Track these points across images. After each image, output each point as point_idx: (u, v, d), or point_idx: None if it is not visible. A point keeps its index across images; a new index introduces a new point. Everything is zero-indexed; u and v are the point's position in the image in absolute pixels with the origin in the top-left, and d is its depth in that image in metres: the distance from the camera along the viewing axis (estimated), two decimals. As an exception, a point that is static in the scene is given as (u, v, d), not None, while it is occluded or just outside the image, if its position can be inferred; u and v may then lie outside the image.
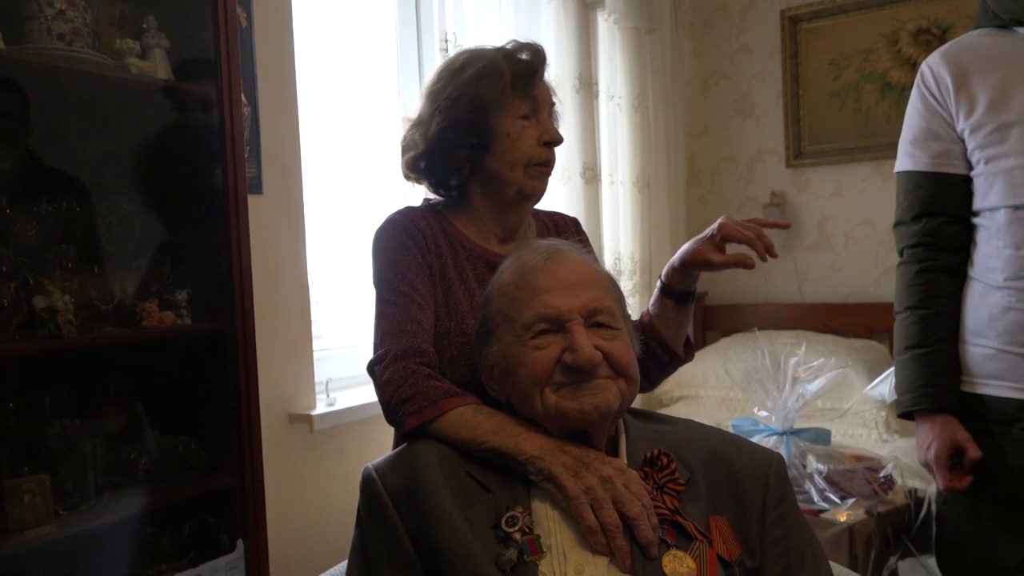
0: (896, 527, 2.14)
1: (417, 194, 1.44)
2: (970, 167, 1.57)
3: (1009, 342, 1.49)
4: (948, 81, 1.56)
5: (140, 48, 1.56)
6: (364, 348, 2.26)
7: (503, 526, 0.97)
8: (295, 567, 2.02)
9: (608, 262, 3.09)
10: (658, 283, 1.32)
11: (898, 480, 2.23)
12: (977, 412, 1.55)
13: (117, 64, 1.52)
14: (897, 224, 1.68)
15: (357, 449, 2.24)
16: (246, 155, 1.79)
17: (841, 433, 2.72)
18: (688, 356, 1.37)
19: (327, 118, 2.44)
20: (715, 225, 1.23)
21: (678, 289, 1.29)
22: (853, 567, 1.92)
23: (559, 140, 1.30)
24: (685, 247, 1.26)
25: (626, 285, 3.15)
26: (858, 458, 2.27)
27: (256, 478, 1.62)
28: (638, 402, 1.55)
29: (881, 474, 2.18)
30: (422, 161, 1.31)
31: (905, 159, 1.65)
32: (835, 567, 1.17)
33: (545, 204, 1.41)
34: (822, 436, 2.20)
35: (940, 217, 1.60)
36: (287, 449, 2.07)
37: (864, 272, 3.44)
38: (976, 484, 1.53)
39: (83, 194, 1.55)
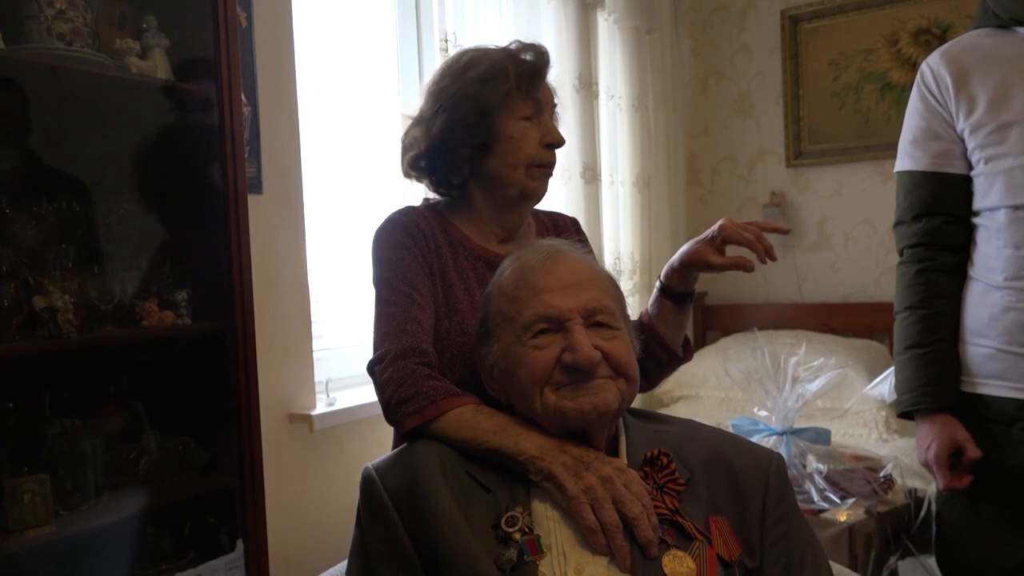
0: (896, 527, 2.14)
1: (417, 193, 1.44)
2: (970, 167, 1.57)
3: (1009, 342, 1.49)
4: (948, 81, 1.56)
5: (140, 48, 1.56)
6: (364, 348, 2.26)
7: (503, 526, 0.97)
8: (295, 567, 2.02)
9: (608, 262, 3.09)
10: (657, 283, 1.32)
11: (898, 480, 2.23)
12: (977, 412, 1.55)
13: (117, 64, 1.52)
14: (897, 224, 1.68)
15: (357, 449, 2.24)
16: (246, 155, 1.79)
17: (841, 433, 2.72)
18: (687, 356, 1.38)
19: (327, 118, 2.44)
20: (716, 227, 1.23)
21: (677, 290, 1.29)
22: (853, 567, 1.92)
23: (561, 142, 1.30)
24: (685, 248, 1.26)
25: (626, 285, 3.15)
26: (858, 458, 2.27)
27: (256, 478, 1.62)
28: (638, 402, 1.55)
29: (881, 474, 2.18)
30: (423, 160, 1.31)
31: (905, 159, 1.65)
32: (835, 567, 1.17)
33: (545, 204, 1.41)
34: (822, 436, 2.20)
35: (940, 217, 1.60)
36: (287, 449, 2.07)
37: (864, 272, 3.44)
38: (976, 484, 1.53)
39: (83, 194, 1.55)
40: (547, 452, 1.01)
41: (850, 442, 2.69)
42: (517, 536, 0.96)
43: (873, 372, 2.73)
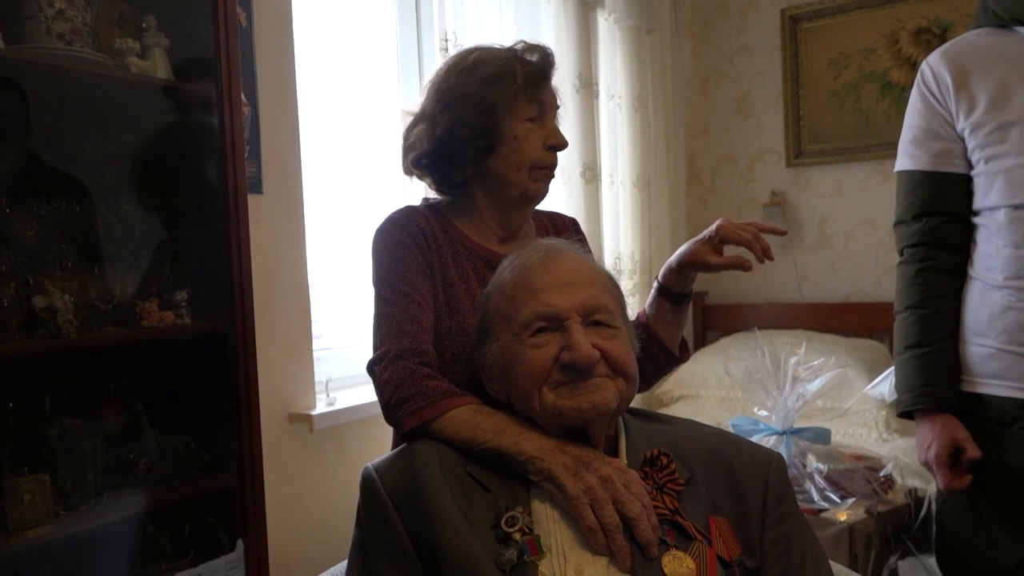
0: (896, 527, 2.14)
1: (417, 192, 1.44)
2: (970, 166, 1.57)
3: (1009, 341, 1.49)
4: (948, 80, 1.56)
5: (140, 48, 1.56)
6: (364, 348, 2.26)
7: (503, 526, 0.97)
8: (295, 567, 2.02)
9: (608, 262, 3.09)
10: (655, 284, 1.32)
11: (898, 479, 2.23)
12: (977, 411, 1.55)
13: (117, 64, 1.52)
14: (897, 223, 1.68)
15: (357, 449, 2.24)
16: (246, 155, 1.79)
17: (841, 432, 2.73)
18: (684, 357, 1.38)
19: (327, 118, 2.44)
20: (713, 227, 1.23)
21: (675, 290, 1.29)
22: (853, 567, 1.92)
23: (564, 145, 1.30)
24: (683, 248, 1.27)
25: (626, 285, 3.15)
26: (858, 457, 2.27)
27: (256, 478, 1.62)
28: (637, 401, 1.55)
29: (881, 473, 2.18)
30: (426, 158, 1.31)
31: (905, 158, 1.65)
32: (835, 567, 1.17)
33: (545, 204, 1.41)
34: (822, 436, 2.20)
35: (940, 216, 1.60)
36: (287, 449, 2.07)
37: (864, 272, 3.44)
38: (976, 483, 1.53)
39: (83, 194, 1.55)
40: (547, 452, 1.01)
41: (850, 442, 2.69)
42: (517, 536, 0.96)
43: (873, 372, 2.73)
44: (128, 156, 1.65)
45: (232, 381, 1.59)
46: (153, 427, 1.59)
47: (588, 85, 2.92)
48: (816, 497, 2.06)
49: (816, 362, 2.15)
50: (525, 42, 1.31)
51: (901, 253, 1.67)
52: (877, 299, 3.34)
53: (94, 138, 1.59)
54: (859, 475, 2.14)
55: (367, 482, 1.05)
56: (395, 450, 1.12)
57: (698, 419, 1.20)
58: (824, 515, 2.02)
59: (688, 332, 3.66)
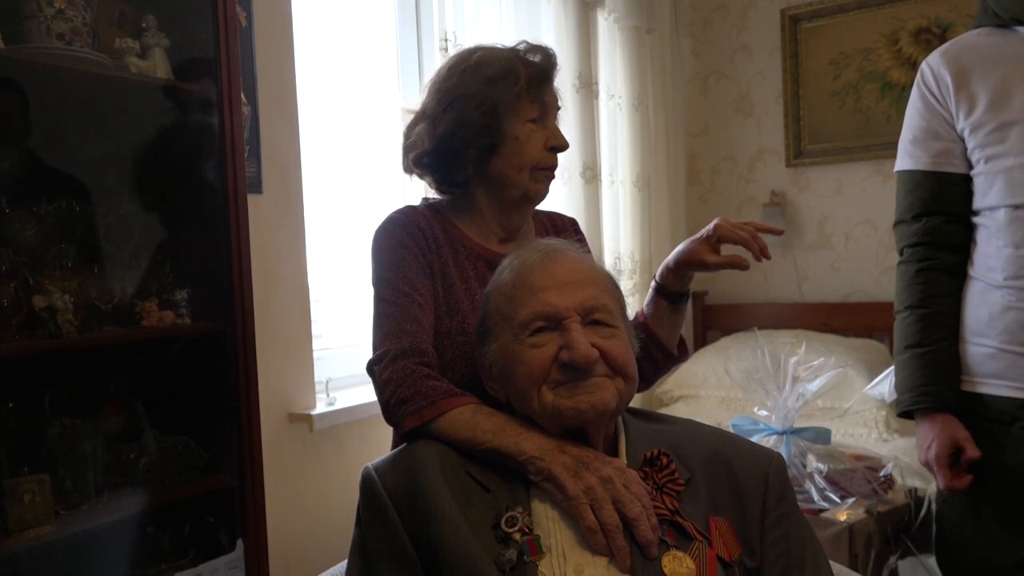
0: (896, 526, 2.14)
1: (417, 192, 1.44)
2: (970, 166, 1.57)
3: (1009, 341, 1.49)
4: (948, 80, 1.56)
5: (140, 48, 1.56)
6: (364, 348, 2.26)
7: (503, 526, 0.97)
8: (295, 567, 2.02)
9: (608, 262, 3.09)
10: (652, 283, 1.32)
11: (898, 479, 2.23)
12: (977, 411, 1.55)
13: (117, 64, 1.52)
14: (897, 223, 1.68)
15: (357, 449, 2.24)
16: (246, 155, 1.79)
17: (841, 432, 2.73)
18: (682, 356, 1.38)
19: (327, 118, 2.44)
20: (711, 226, 1.23)
21: (672, 289, 1.30)
22: (853, 567, 1.92)
23: (565, 146, 1.30)
24: (680, 247, 1.27)
25: (626, 285, 3.15)
26: (858, 457, 2.27)
27: (256, 478, 1.62)
28: (637, 401, 1.55)
29: (881, 473, 2.18)
30: (427, 157, 1.30)
31: (905, 158, 1.65)
32: (835, 567, 1.17)
33: (545, 204, 1.41)
34: (822, 435, 2.20)
35: (940, 216, 1.60)
36: (287, 449, 2.07)
37: (864, 271, 3.44)
38: (976, 483, 1.53)
39: (83, 194, 1.55)
40: (547, 452, 1.01)
41: (850, 441, 2.69)
42: (517, 536, 0.96)
43: (873, 372, 2.73)
44: (128, 156, 1.65)
45: (232, 381, 1.59)
46: (153, 427, 1.59)
47: (588, 85, 2.92)
48: (816, 497, 2.06)
49: (816, 362, 2.15)
50: (528, 42, 1.30)
51: (901, 253, 1.67)
52: (877, 299, 3.34)
53: (94, 138, 1.59)
54: (859, 475, 2.14)
55: (367, 482, 1.05)
56: (395, 450, 1.11)
57: (698, 419, 1.20)
58: (824, 515, 2.02)
59: (688, 332, 3.66)
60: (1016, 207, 1.48)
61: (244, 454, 1.60)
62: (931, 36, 3.23)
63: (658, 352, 1.33)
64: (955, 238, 1.59)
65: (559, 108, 1.32)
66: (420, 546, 0.99)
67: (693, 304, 3.68)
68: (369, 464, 1.07)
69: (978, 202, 1.56)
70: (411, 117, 1.34)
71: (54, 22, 1.42)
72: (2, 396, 1.41)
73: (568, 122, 2.76)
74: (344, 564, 1.10)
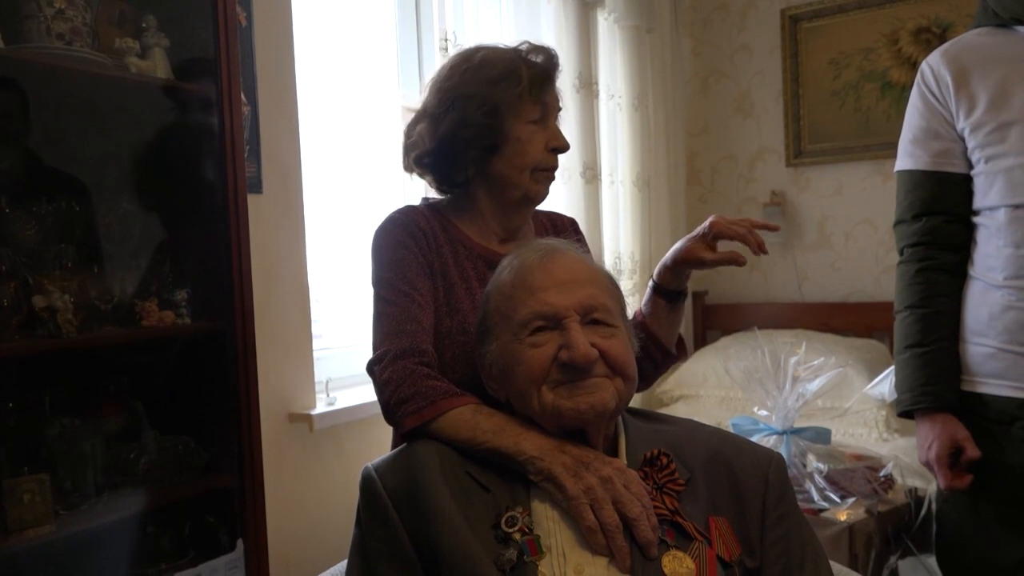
0: (896, 526, 2.14)
1: (417, 191, 1.44)
2: (970, 166, 1.57)
3: (1009, 341, 1.49)
4: (948, 80, 1.56)
5: (140, 47, 1.56)
6: (364, 347, 2.26)
7: (503, 526, 0.97)
8: (295, 567, 2.02)
9: (608, 261, 3.09)
10: (650, 282, 1.32)
11: (898, 479, 2.23)
12: (977, 411, 1.55)
13: (117, 64, 1.52)
14: (897, 223, 1.68)
15: (357, 449, 2.24)
16: (246, 155, 1.79)
17: (841, 432, 2.72)
18: (681, 354, 1.38)
19: (327, 118, 2.44)
20: (706, 223, 1.24)
21: (670, 288, 1.30)
22: (853, 566, 1.92)
23: (566, 147, 1.30)
24: (677, 246, 1.27)
25: (626, 285, 3.15)
26: (858, 457, 2.27)
27: (256, 478, 1.61)
28: (637, 401, 1.55)
29: (881, 473, 2.18)
30: (428, 157, 1.30)
31: (905, 158, 1.65)
32: (835, 567, 1.17)
33: (545, 204, 1.41)
34: (822, 435, 2.20)
35: (940, 216, 1.60)
36: (287, 449, 2.07)
37: (864, 271, 3.44)
38: (976, 483, 1.53)
39: (83, 194, 1.55)
40: (547, 452, 1.01)
41: (850, 441, 2.69)
42: (517, 536, 0.96)
43: (873, 371, 2.73)
44: (128, 156, 1.65)
45: (232, 381, 1.59)
46: (153, 427, 1.59)
47: (588, 85, 2.92)
48: (816, 497, 2.06)
49: (816, 362, 2.15)
50: (530, 43, 1.30)
51: (901, 253, 1.67)
52: (877, 299, 3.34)
53: (94, 138, 1.59)
54: (859, 475, 2.14)
55: (367, 482, 1.05)
56: (395, 450, 1.11)
57: (698, 419, 1.20)
58: (824, 515, 2.02)
59: (688, 332, 3.66)
60: (1016, 207, 1.48)
61: (244, 454, 1.60)
62: (931, 36, 3.23)
63: (657, 351, 1.33)
64: (955, 238, 1.59)
65: (560, 109, 1.32)
66: (420, 546, 0.99)
67: (693, 304, 3.68)
68: (369, 464, 1.07)
69: (978, 202, 1.56)
70: (411, 116, 1.34)
71: (54, 22, 1.42)
72: (2, 396, 1.41)
73: (568, 122, 2.75)
74: (344, 564, 1.10)
